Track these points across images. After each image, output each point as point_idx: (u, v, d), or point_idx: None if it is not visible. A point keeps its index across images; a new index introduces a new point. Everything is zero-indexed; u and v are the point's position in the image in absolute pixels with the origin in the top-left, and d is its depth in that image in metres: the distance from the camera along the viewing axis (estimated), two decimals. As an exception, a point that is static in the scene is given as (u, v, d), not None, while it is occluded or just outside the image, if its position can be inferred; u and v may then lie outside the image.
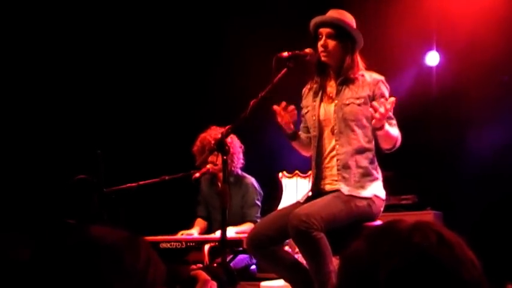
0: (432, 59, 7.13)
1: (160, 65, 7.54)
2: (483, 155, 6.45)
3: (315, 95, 4.35)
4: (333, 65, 4.26)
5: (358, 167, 4.16)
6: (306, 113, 4.40)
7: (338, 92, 4.24)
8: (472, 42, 6.48)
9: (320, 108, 4.30)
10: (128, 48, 7.44)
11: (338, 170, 4.17)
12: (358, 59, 4.26)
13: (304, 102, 4.45)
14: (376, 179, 4.22)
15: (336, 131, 4.20)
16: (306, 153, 4.50)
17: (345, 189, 4.11)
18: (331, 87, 4.30)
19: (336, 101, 4.23)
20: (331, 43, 4.20)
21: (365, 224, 4.09)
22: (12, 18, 7.01)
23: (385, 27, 6.47)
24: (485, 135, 6.55)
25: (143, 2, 7.47)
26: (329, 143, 4.26)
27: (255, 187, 5.65)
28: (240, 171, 5.69)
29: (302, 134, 4.45)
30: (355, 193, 4.10)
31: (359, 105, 4.17)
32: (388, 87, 4.25)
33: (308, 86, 4.44)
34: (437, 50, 7.11)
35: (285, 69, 4.05)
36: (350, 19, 4.27)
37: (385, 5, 6.56)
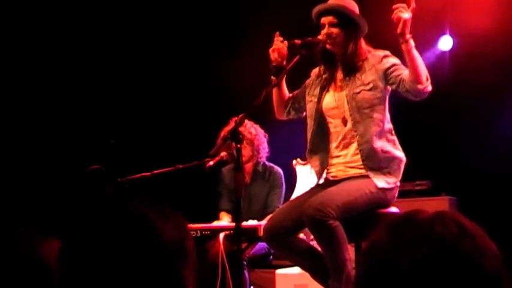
0: (445, 43, 7.09)
1: (173, 54, 7.53)
2: (498, 139, 6.43)
3: (322, 85, 4.31)
4: (338, 53, 4.21)
5: (382, 152, 4.11)
6: (309, 101, 4.37)
7: (347, 82, 4.18)
8: (485, 25, 6.43)
9: (324, 99, 4.27)
10: (140, 37, 7.43)
11: (363, 160, 4.10)
12: (363, 44, 4.21)
13: (309, 89, 4.40)
14: (401, 160, 4.18)
15: (353, 121, 4.14)
16: (279, 107, 4.48)
17: (376, 179, 4.06)
18: (340, 75, 4.25)
19: (346, 91, 4.17)
20: (335, 31, 4.15)
21: (380, 211, 4.09)
22: (30, 11, 7.02)
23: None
24: (500, 119, 6.52)
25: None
26: (340, 131, 4.22)
27: (282, 178, 5.66)
28: (267, 162, 5.70)
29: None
30: (385, 185, 4.06)
31: (370, 90, 4.11)
32: (396, 58, 4.14)
33: (317, 71, 4.39)
34: (450, 34, 7.06)
35: (298, 57, 4.05)
36: (352, 5, 4.21)
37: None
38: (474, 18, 6.49)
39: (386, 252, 1.27)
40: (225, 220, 5.60)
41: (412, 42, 3.95)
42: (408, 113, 5.61)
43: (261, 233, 4.71)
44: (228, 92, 7.02)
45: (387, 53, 4.18)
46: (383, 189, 4.07)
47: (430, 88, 4.01)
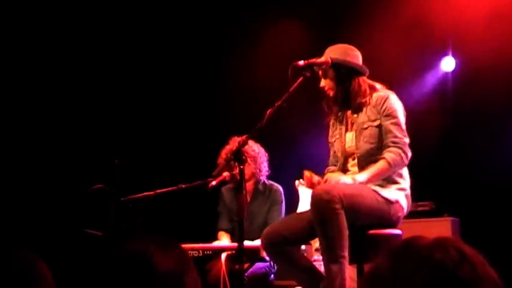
0: (448, 64, 7.10)
1: (177, 73, 7.56)
2: (501, 161, 6.42)
3: (341, 123, 4.43)
4: (340, 98, 4.33)
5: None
6: (334, 141, 4.46)
7: (355, 120, 4.32)
8: (488, 45, 6.44)
9: (346, 135, 4.37)
10: (145, 57, 7.46)
11: None
12: (362, 83, 4.30)
13: (330, 133, 4.52)
14: (403, 189, 4.24)
15: (359, 157, 4.26)
16: None
17: (372, 185, 4.12)
18: (350, 116, 4.38)
19: (355, 129, 4.31)
20: (324, 81, 4.33)
21: (382, 233, 4.08)
22: (28, 33, 7.05)
23: (399, 34, 6.45)
24: (504, 141, 6.52)
25: (159, 13, 7.49)
26: (354, 164, 4.32)
27: (282, 195, 5.67)
28: (267, 180, 5.71)
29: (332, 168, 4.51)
30: (381, 192, 4.11)
31: (377, 126, 4.23)
32: (396, 101, 4.26)
33: (334, 117, 4.50)
34: (453, 55, 7.08)
35: (301, 78, 4.06)
36: (339, 50, 4.33)
37: (399, 11, 6.54)
38: (477, 39, 6.51)
39: (387, 279, 1.27)
40: (223, 239, 5.61)
41: (360, 178, 4.11)
42: (410, 134, 5.62)
43: (262, 253, 4.71)
44: (231, 112, 7.04)
45: (388, 95, 4.26)
46: (384, 200, 4.09)
47: (398, 170, 4.21)
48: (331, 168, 4.51)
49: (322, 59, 4.21)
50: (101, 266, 1.42)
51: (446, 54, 7.09)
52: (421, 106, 6.59)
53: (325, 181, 4.15)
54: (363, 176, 4.09)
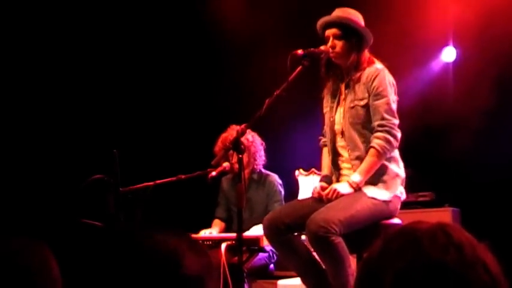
0: (448, 54, 7.07)
1: (175, 63, 7.54)
2: (502, 152, 6.40)
3: (333, 96, 4.33)
4: (343, 66, 4.23)
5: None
6: (325, 113, 4.39)
7: (345, 96, 4.23)
8: (490, 36, 6.41)
9: (336, 110, 4.29)
10: (143, 46, 7.45)
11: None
12: (366, 56, 4.21)
13: (324, 104, 4.43)
14: (397, 175, 4.17)
15: (345, 135, 4.19)
16: None
17: (368, 190, 4.07)
18: (343, 88, 4.28)
19: (344, 106, 4.22)
20: (339, 43, 4.17)
21: (381, 222, 4.08)
22: (33, 22, 7.04)
23: (400, 23, 6.42)
24: (504, 132, 6.50)
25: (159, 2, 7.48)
26: (343, 145, 4.25)
27: (278, 185, 5.65)
28: (263, 169, 5.70)
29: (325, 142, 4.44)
30: (378, 196, 4.06)
31: (363, 106, 4.13)
32: (387, 78, 4.13)
33: (326, 90, 4.40)
34: (453, 46, 7.05)
35: (300, 67, 4.04)
36: (356, 17, 4.23)
37: (400, 0, 6.51)
38: (478, 29, 6.47)
39: (374, 262, 1.26)
40: (216, 227, 5.63)
41: (356, 179, 4.04)
42: (411, 124, 5.61)
43: (262, 243, 4.70)
44: (231, 102, 7.02)
45: (379, 72, 4.15)
46: (381, 201, 4.05)
47: (390, 153, 4.11)
48: (325, 140, 4.43)
49: (322, 47, 4.18)
50: (124, 257, 1.40)
51: (447, 44, 7.06)
52: (421, 97, 6.57)
53: (324, 188, 4.13)
54: (358, 177, 4.04)
